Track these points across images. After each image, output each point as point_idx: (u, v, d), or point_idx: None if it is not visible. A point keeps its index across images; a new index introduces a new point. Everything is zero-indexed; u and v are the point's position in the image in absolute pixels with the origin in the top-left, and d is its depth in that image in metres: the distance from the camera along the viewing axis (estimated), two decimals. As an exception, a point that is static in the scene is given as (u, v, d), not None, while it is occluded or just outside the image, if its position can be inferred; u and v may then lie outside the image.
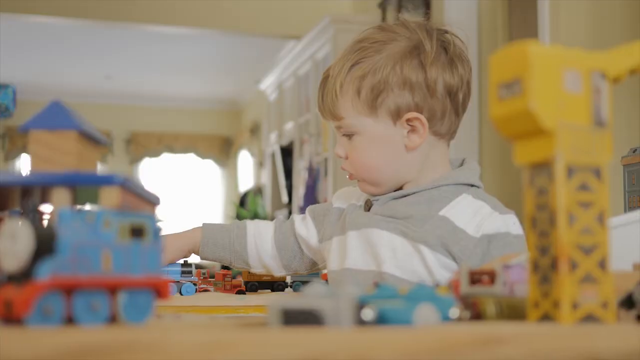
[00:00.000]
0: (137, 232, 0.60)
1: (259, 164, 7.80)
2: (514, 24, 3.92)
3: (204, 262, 1.73)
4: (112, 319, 0.59)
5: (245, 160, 8.79)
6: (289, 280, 1.73)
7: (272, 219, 6.67)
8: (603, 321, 0.59)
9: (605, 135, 0.61)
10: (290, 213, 5.88)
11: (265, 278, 1.69)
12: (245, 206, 7.37)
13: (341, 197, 1.44)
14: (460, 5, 4.15)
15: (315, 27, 5.16)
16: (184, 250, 1.47)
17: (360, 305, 0.61)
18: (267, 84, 6.66)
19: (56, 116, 0.70)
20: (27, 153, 0.69)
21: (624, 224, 1.45)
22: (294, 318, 0.61)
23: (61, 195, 0.65)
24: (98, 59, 7.55)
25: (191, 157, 9.22)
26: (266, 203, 6.74)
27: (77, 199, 0.75)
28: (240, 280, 1.66)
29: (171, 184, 9.12)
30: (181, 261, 1.51)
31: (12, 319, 0.55)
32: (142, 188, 0.72)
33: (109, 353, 0.44)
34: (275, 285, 1.71)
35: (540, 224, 0.61)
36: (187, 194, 9.16)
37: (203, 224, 1.51)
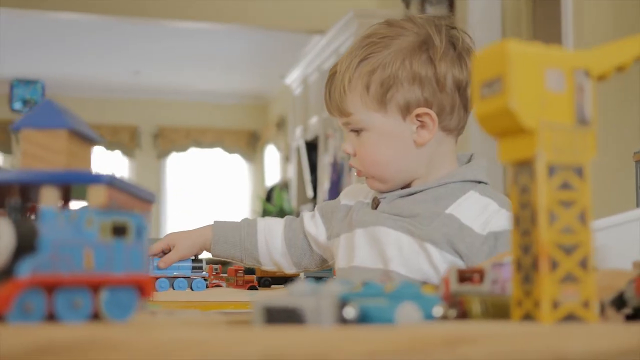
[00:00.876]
0: (119, 231, 0.60)
1: (285, 159, 7.82)
2: (538, 23, 3.89)
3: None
4: (95, 317, 0.59)
5: (271, 155, 8.82)
6: (302, 276, 1.73)
7: (297, 213, 6.70)
8: (584, 321, 0.59)
9: (588, 134, 0.61)
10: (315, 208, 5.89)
11: (278, 274, 1.70)
12: (271, 201, 7.40)
13: (349, 194, 1.44)
14: (484, 4, 4.12)
15: (339, 21, 5.15)
16: (195, 247, 1.49)
17: (343, 303, 0.61)
18: (293, 78, 6.67)
19: (47, 115, 0.70)
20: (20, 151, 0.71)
21: (634, 219, 1.43)
22: (276, 316, 0.61)
23: (49, 193, 0.66)
24: (126, 55, 7.61)
25: (218, 151, 9.26)
26: (292, 198, 6.75)
27: (71, 197, 0.76)
28: (253, 276, 1.67)
29: (198, 179, 9.16)
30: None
31: (-7, 315, 0.55)
32: (133, 186, 0.73)
33: (74, 350, 0.45)
34: (289, 281, 1.72)
35: (523, 223, 0.61)
36: (213, 188, 9.20)
37: (214, 221, 1.52)
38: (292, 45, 6.61)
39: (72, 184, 0.67)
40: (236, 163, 9.34)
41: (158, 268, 1.45)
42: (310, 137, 6.10)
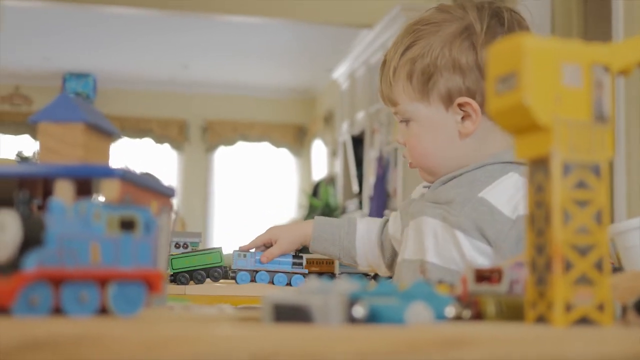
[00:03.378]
0: (127, 225, 0.60)
1: (332, 153, 7.81)
2: (589, 24, 3.82)
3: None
4: (103, 311, 0.59)
5: (319, 150, 8.81)
6: (337, 271, 1.73)
7: (343, 209, 6.66)
8: (598, 324, 0.57)
9: (606, 131, 0.59)
10: (360, 203, 5.87)
11: (313, 269, 1.69)
12: (317, 196, 7.40)
13: (418, 188, 1.41)
14: (534, 4, 4.05)
15: (387, 15, 5.13)
16: (295, 242, 1.50)
17: (352, 302, 0.60)
18: (340, 72, 6.66)
19: (64, 108, 0.71)
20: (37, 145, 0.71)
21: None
22: (285, 313, 0.60)
23: (64, 187, 0.66)
24: (175, 49, 7.67)
25: (266, 145, 9.29)
26: (338, 192, 6.74)
27: (92, 191, 0.76)
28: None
29: (245, 173, 9.20)
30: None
31: (-1, 308, 0.56)
32: (149, 180, 0.73)
33: (69, 344, 0.45)
34: (323, 276, 1.71)
35: (538, 222, 0.59)
36: (261, 182, 9.23)
37: (316, 217, 1.54)
38: (339, 39, 6.60)
39: (86, 178, 0.67)
40: (283, 157, 9.35)
41: (260, 262, 1.46)
42: (356, 132, 6.08)
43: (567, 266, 0.57)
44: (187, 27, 6.87)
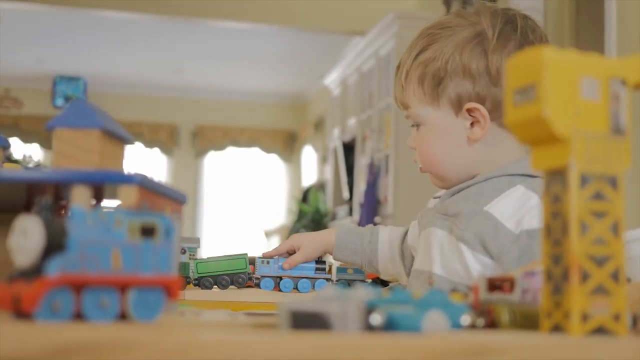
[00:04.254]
0: (147, 232, 0.60)
1: (323, 160, 7.82)
2: (582, 25, 3.85)
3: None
4: (123, 317, 0.60)
5: (309, 156, 8.82)
6: (334, 278, 1.73)
7: (333, 215, 6.65)
8: (614, 334, 0.58)
9: (623, 144, 0.60)
10: (350, 210, 5.88)
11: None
12: (307, 202, 7.40)
13: (432, 199, 1.40)
14: (526, 4, 4.08)
15: (379, 23, 5.14)
16: (318, 250, 1.50)
17: (369, 309, 0.60)
18: (331, 79, 6.67)
19: (80, 114, 0.71)
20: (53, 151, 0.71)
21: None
22: (302, 321, 0.61)
23: (81, 192, 0.67)
24: (168, 53, 7.67)
25: (256, 151, 9.29)
26: (328, 199, 6.75)
27: (104, 196, 0.76)
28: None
29: (235, 178, 9.20)
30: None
31: (22, 313, 0.56)
32: (163, 187, 0.74)
33: (99, 350, 0.45)
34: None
35: (554, 233, 0.60)
36: (250, 188, 9.23)
37: (339, 225, 1.55)
38: (331, 46, 6.62)
39: (104, 184, 0.67)
40: (273, 163, 9.36)
41: (282, 269, 1.47)
42: (347, 138, 6.09)
43: (584, 276, 0.58)
44: (180, 32, 6.87)
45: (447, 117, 1.26)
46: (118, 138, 0.76)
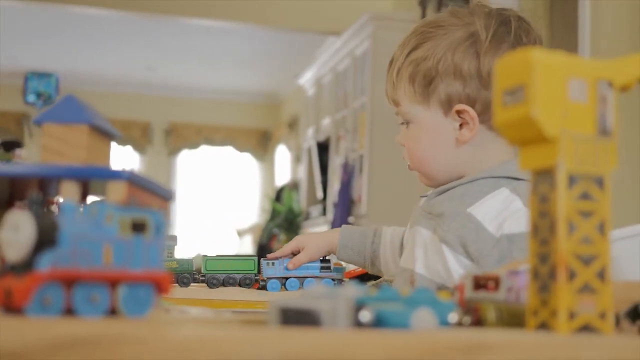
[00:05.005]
0: (138, 227, 0.60)
1: (296, 159, 7.82)
2: (556, 24, 3.88)
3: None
4: (113, 312, 0.60)
5: (282, 155, 8.82)
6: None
7: (306, 214, 6.65)
8: (600, 332, 0.59)
9: (609, 145, 0.61)
10: (324, 209, 5.89)
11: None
12: (280, 201, 7.40)
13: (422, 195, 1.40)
14: (500, 4, 4.11)
15: (355, 23, 5.16)
16: (322, 250, 1.51)
17: (359, 306, 0.61)
18: (306, 78, 6.68)
19: (69, 110, 0.71)
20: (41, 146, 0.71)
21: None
22: (292, 317, 0.61)
23: (70, 188, 0.67)
24: (140, 50, 7.63)
25: (229, 149, 9.27)
26: (301, 198, 6.75)
27: (90, 191, 0.76)
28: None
29: (208, 176, 9.18)
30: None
31: (12, 308, 0.56)
32: (151, 183, 0.74)
33: (93, 345, 0.45)
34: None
35: (542, 232, 0.61)
36: (223, 186, 9.21)
37: (343, 226, 1.55)
38: (306, 45, 6.62)
39: (93, 179, 0.67)
40: (247, 162, 9.35)
41: (287, 269, 1.47)
42: (321, 138, 6.10)
43: (571, 275, 0.58)
44: (153, 29, 6.84)
45: (437, 117, 1.26)
46: (105, 134, 0.76)
